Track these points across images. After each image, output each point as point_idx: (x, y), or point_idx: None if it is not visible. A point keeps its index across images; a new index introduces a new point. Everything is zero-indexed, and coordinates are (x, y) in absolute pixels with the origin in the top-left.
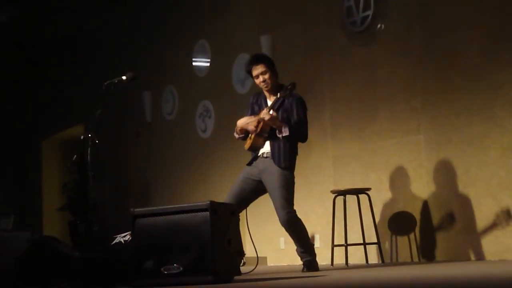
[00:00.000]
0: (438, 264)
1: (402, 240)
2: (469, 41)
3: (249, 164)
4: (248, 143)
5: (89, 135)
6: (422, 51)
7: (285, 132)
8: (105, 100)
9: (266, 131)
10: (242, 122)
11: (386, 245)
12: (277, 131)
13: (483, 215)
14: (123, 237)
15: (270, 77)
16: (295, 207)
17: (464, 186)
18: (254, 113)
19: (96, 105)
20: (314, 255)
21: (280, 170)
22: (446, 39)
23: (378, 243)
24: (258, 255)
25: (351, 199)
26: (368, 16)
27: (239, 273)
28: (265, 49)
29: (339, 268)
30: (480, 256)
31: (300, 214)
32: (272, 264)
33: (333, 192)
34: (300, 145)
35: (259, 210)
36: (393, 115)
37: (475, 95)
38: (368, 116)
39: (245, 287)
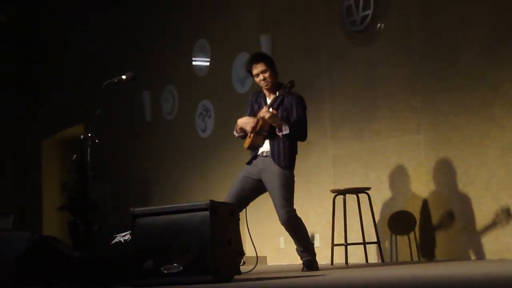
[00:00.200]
0: (438, 264)
1: (402, 240)
2: (469, 41)
3: (249, 163)
4: (247, 141)
5: (89, 135)
6: (422, 50)
7: (286, 130)
8: (105, 100)
9: (266, 130)
10: (242, 121)
11: (386, 245)
12: (277, 130)
13: (482, 215)
14: (123, 237)
15: (270, 76)
16: (295, 207)
17: (464, 185)
18: (254, 111)
19: (96, 104)
20: (314, 254)
21: (280, 169)
22: (445, 39)
23: (378, 243)
24: (258, 255)
25: (351, 198)
26: (368, 15)
27: (239, 272)
28: (265, 49)
29: (339, 268)
30: (480, 256)
31: (300, 214)
32: (272, 264)
33: (333, 191)
34: (300, 144)
35: (259, 209)
36: (393, 115)
37: (475, 94)
38: (368, 115)
39: (245, 287)
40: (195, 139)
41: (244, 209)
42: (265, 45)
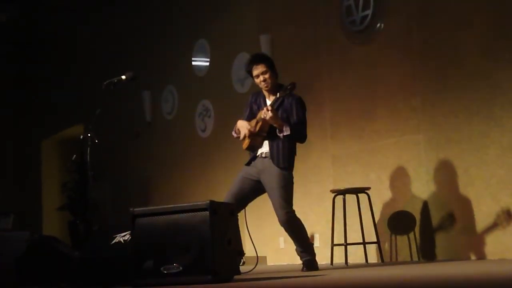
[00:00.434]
0: (438, 264)
1: (402, 240)
2: (469, 40)
3: (248, 164)
4: (246, 142)
5: (89, 135)
6: (422, 50)
7: (286, 131)
8: (105, 100)
9: (265, 131)
10: (241, 124)
11: (386, 245)
12: (277, 130)
13: (482, 214)
14: (123, 237)
15: (270, 77)
16: (294, 207)
17: (464, 185)
18: (253, 112)
19: (96, 104)
20: (314, 254)
21: (279, 170)
22: (445, 39)
23: (377, 243)
24: (258, 255)
25: (350, 198)
26: (367, 15)
27: (239, 272)
28: (265, 49)
29: (339, 268)
30: (480, 256)
31: (299, 214)
32: (271, 264)
33: (332, 191)
34: (299, 144)
35: (259, 209)
36: (393, 115)
37: (475, 94)
38: (367, 115)
39: (245, 287)
40: (195, 139)
41: (243, 210)
42: (265, 45)
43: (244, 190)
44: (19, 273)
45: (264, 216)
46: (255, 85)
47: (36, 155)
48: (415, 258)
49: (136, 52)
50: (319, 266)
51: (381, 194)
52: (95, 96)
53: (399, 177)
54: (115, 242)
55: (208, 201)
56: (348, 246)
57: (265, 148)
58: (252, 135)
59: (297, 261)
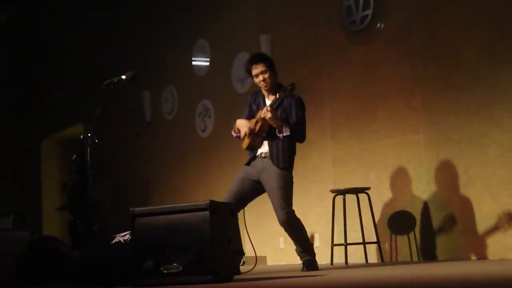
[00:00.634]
0: (438, 264)
1: (402, 239)
2: (469, 40)
3: (248, 164)
4: (245, 142)
5: (89, 135)
6: (422, 50)
7: (286, 132)
8: (105, 100)
9: (265, 131)
10: (240, 123)
11: (386, 245)
12: (277, 131)
13: (482, 214)
14: (123, 237)
15: (269, 77)
16: (294, 207)
17: (464, 185)
18: (252, 112)
19: (96, 104)
20: (314, 254)
21: (279, 170)
22: (445, 38)
23: (377, 243)
24: (258, 255)
25: (350, 198)
26: (367, 15)
27: (239, 272)
28: (265, 48)
29: (339, 268)
30: (480, 256)
31: (299, 214)
32: (271, 264)
33: (332, 191)
34: (299, 144)
35: (258, 209)
36: (393, 115)
37: (475, 94)
38: (367, 115)
39: (245, 287)
40: (195, 139)
41: (243, 210)
42: (265, 45)
43: (244, 190)
44: (19, 273)
45: (264, 216)
46: (255, 85)
47: (36, 155)
48: (415, 258)
49: (136, 52)
50: (319, 266)
51: (381, 194)
52: (95, 96)
53: (399, 177)
54: (115, 242)
55: (208, 201)
56: (348, 246)
57: (264, 148)
58: (252, 134)
59: (297, 261)
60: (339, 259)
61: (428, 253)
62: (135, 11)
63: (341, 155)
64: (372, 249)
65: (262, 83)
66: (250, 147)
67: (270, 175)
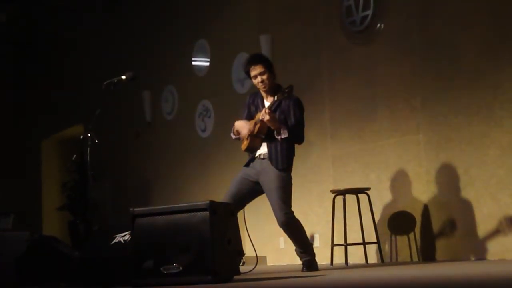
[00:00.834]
0: (438, 264)
1: (402, 240)
2: (469, 41)
3: (246, 165)
4: (245, 143)
5: (89, 135)
6: (422, 50)
7: (284, 134)
8: (105, 100)
9: (264, 133)
10: (239, 124)
11: (386, 245)
12: (275, 133)
13: (482, 215)
14: (123, 237)
15: (268, 78)
16: (294, 207)
17: (464, 185)
18: (250, 113)
19: (96, 104)
20: (313, 254)
21: (278, 171)
22: (445, 39)
23: (377, 243)
24: (258, 255)
25: (350, 198)
26: (367, 15)
27: (239, 272)
28: (265, 49)
29: (339, 268)
30: (480, 256)
31: (299, 214)
32: (271, 264)
33: (332, 191)
34: (299, 145)
35: (259, 209)
36: (393, 115)
37: (475, 94)
38: (367, 115)
39: (245, 287)
40: (194, 139)
41: (243, 210)
42: (264, 45)
43: (243, 191)
44: (19, 273)
45: (264, 216)
46: (254, 85)
47: (36, 155)
48: (415, 259)
49: (136, 52)
50: (319, 266)
51: (381, 194)
52: (95, 96)
53: (399, 177)
54: (115, 242)
55: (208, 201)
56: (348, 247)
57: (263, 149)
58: (251, 136)
59: (297, 261)
60: (339, 259)
61: (428, 254)
62: (135, 11)
63: (341, 155)
64: (372, 250)
65: (260, 84)
66: (249, 149)
67: (269, 176)
